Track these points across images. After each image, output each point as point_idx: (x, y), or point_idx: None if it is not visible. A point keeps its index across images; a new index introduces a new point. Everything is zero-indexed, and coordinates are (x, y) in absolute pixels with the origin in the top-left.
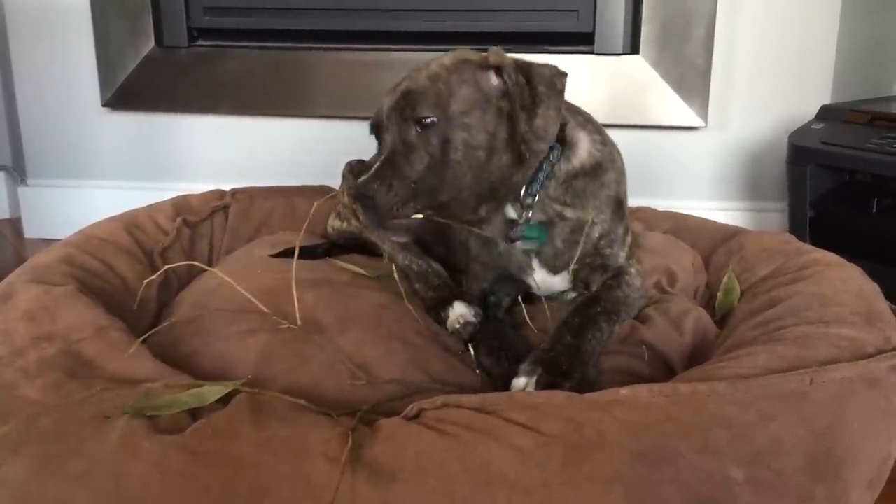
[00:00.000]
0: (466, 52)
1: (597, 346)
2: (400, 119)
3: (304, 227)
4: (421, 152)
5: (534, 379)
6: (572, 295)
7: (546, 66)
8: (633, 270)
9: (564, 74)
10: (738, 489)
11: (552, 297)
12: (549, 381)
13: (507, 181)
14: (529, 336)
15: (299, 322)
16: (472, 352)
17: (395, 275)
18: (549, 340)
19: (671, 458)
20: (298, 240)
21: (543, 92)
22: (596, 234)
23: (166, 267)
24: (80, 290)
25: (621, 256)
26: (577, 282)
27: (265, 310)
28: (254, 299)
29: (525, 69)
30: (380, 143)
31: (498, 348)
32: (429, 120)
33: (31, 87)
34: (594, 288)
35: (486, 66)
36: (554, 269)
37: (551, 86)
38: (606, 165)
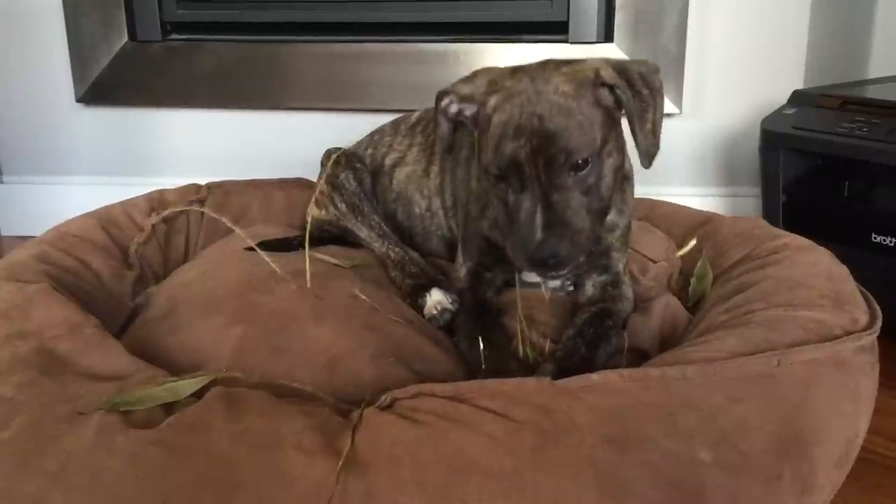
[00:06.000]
0: (566, 65)
1: (605, 360)
2: (550, 166)
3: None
4: (576, 194)
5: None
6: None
7: (641, 63)
8: (626, 279)
9: (658, 69)
10: (705, 470)
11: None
12: None
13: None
14: (510, 323)
15: (309, 284)
16: (453, 333)
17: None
18: (563, 346)
19: (640, 442)
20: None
21: (647, 95)
22: (615, 235)
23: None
24: (54, 288)
25: (621, 262)
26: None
27: (276, 268)
28: (265, 256)
29: (624, 73)
30: (508, 183)
31: (474, 333)
32: (583, 162)
33: (4, 85)
34: (588, 287)
35: (599, 83)
36: None
37: (652, 86)
38: (632, 172)
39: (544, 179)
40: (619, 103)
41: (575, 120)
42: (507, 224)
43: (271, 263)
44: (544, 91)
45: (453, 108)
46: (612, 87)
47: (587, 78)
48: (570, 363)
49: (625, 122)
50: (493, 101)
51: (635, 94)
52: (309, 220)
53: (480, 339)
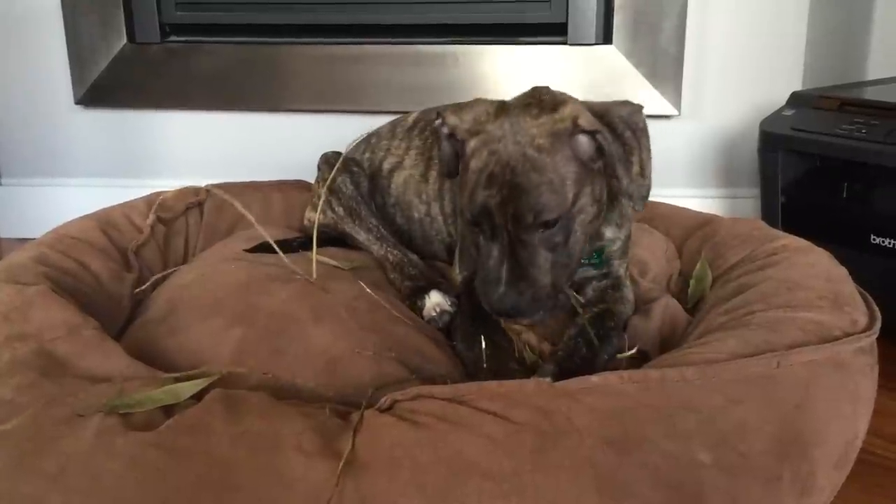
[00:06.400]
0: (547, 112)
1: (606, 361)
2: (518, 222)
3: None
4: (543, 251)
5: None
6: None
7: (622, 105)
8: (627, 283)
9: (641, 108)
10: (705, 472)
11: None
12: None
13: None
14: (507, 326)
15: (315, 276)
16: (448, 334)
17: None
18: (564, 346)
19: (640, 444)
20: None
21: (630, 137)
22: (615, 248)
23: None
24: (53, 290)
25: (622, 267)
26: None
27: (285, 258)
28: (270, 239)
29: (604, 116)
30: (480, 229)
31: (474, 334)
32: (552, 221)
33: (3, 87)
34: (588, 290)
35: (578, 132)
36: None
37: (635, 127)
38: None
39: (512, 233)
40: (599, 151)
41: (546, 177)
42: (478, 264)
43: (285, 259)
44: (521, 142)
45: (445, 130)
46: (592, 134)
47: (564, 129)
48: (570, 364)
49: None
50: (472, 143)
51: (617, 138)
52: (316, 221)
53: (483, 338)
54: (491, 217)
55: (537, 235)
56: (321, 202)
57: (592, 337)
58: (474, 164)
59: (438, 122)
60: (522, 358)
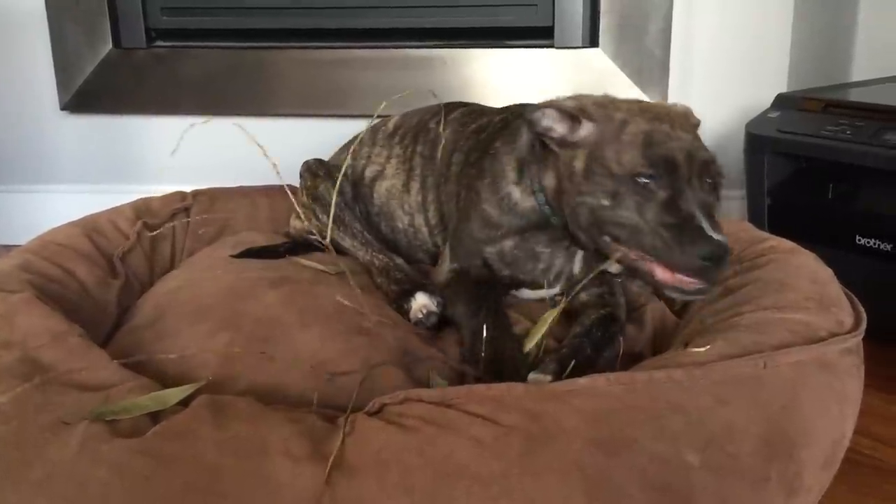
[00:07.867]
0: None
1: (606, 363)
2: (707, 171)
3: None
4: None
5: (549, 378)
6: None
7: None
8: (619, 289)
9: None
10: (693, 474)
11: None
12: None
13: None
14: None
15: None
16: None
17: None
18: (569, 345)
19: (628, 445)
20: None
21: None
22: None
23: None
24: (38, 297)
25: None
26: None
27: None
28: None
29: None
30: (645, 186)
31: (476, 311)
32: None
33: None
34: (582, 294)
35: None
36: (558, 281)
37: None
38: None
39: (696, 185)
40: None
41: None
42: (649, 228)
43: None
44: (666, 113)
45: (545, 122)
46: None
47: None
48: (575, 361)
49: None
50: (619, 115)
51: None
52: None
53: (484, 326)
54: (675, 169)
55: (708, 191)
56: (303, 209)
57: (598, 338)
58: (634, 127)
59: (539, 113)
60: (523, 352)
